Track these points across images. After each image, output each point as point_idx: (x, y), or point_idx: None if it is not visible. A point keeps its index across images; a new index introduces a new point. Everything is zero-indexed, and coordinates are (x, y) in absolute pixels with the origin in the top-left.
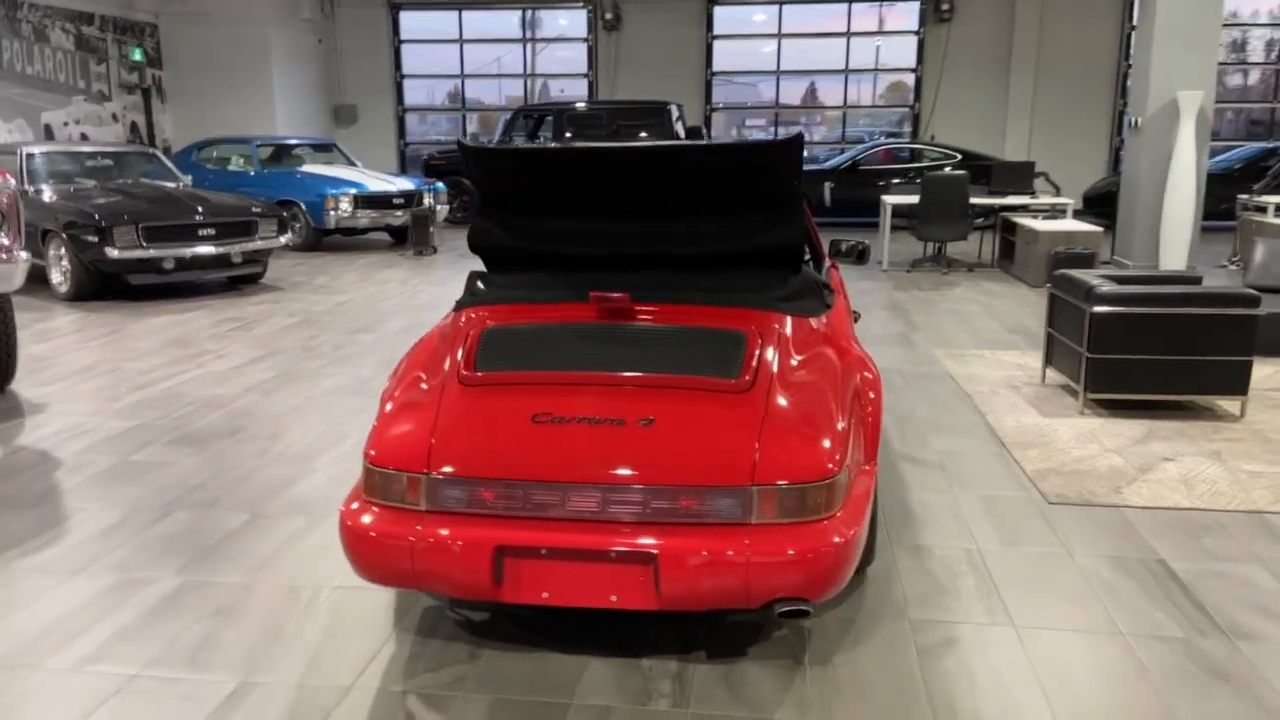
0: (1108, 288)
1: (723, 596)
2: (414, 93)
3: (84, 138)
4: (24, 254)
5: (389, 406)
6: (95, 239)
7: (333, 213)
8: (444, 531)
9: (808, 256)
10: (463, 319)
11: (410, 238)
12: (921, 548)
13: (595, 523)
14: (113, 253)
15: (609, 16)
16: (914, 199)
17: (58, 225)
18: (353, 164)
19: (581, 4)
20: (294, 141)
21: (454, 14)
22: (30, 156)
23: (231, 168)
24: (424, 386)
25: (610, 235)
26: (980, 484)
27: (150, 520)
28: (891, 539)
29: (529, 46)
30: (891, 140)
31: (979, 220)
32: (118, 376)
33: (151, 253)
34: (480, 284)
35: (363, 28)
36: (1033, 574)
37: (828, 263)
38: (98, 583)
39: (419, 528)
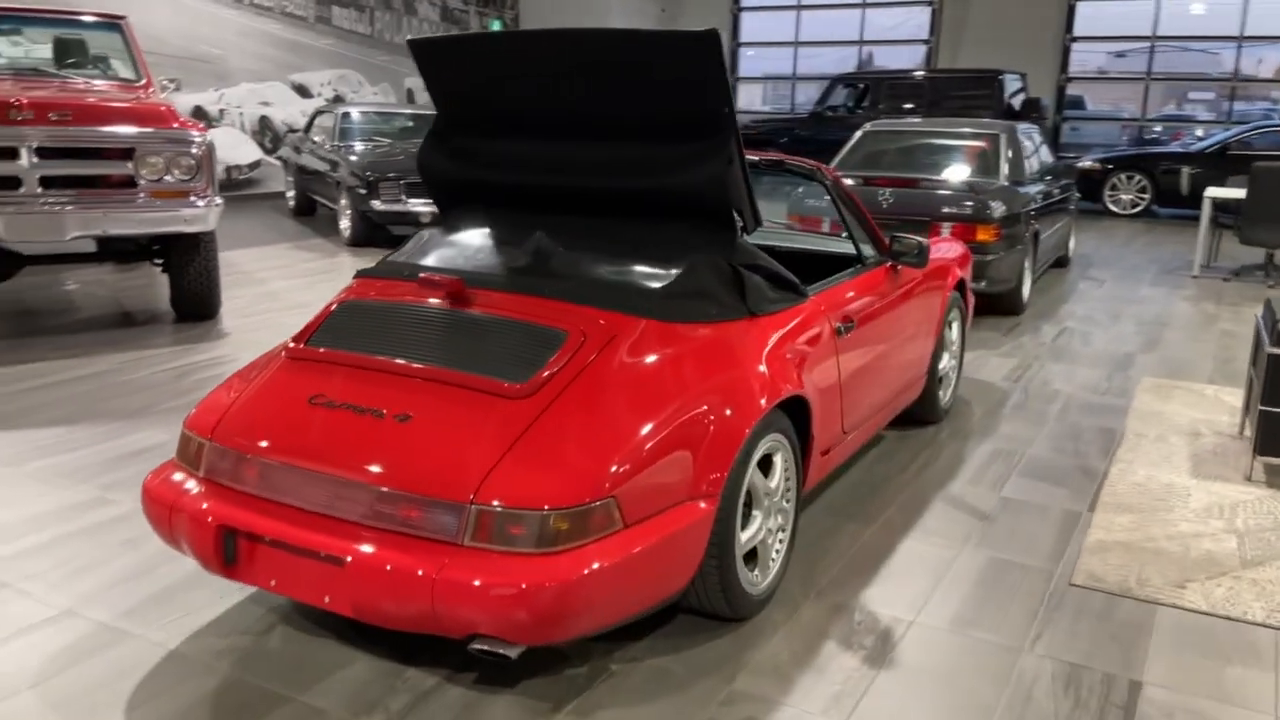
0: None
1: (409, 620)
2: (749, 63)
3: None
4: (218, 199)
5: (235, 373)
6: (364, 192)
7: None
8: (189, 502)
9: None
10: (345, 291)
11: None
12: (842, 605)
13: (318, 517)
14: (377, 205)
15: None
16: (1241, 193)
17: (344, 178)
18: None
19: None
20: None
21: None
22: (345, 115)
23: None
24: (271, 356)
25: (540, 161)
26: (1008, 547)
27: None
28: (817, 585)
29: (864, 12)
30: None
31: None
32: (310, 312)
33: (410, 207)
34: (391, 255)
35: None
36: (946, 668)
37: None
38: None
39: (180, 496)
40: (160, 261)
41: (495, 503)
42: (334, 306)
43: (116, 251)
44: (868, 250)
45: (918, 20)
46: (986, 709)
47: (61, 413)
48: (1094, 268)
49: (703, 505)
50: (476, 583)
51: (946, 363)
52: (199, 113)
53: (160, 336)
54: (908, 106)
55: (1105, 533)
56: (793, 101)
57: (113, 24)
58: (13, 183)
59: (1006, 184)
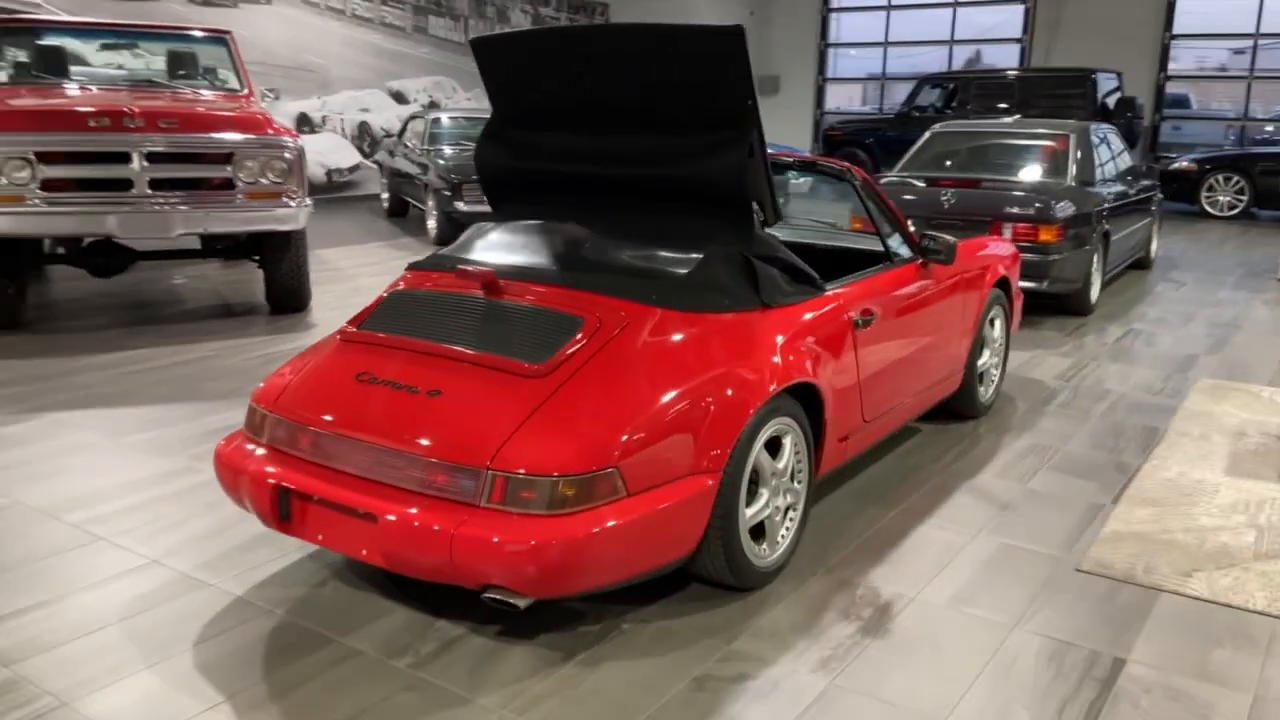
0: None
1: (431, 571)
2: (840, 61)
3: None
4: (308, 200)
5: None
6: (449, 193)
7: None
8: (252, 466)
9: (762, 218)
10: (397, 281)
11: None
12: (847, 581)
13: (359, 479)
14: (461, 206)
15: None
16: None
17: (431, 181)
18: None
19: None
20: None
21: None
22: (435, 121)
23: None
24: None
25: (580, 151)
26: (1021, 533)
27: None
28: (827, 562)
29: (955, 11)
30: None
31: None
32: None
33: None
34: (441, 249)
35: None
36: (935, 640)
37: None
38: None
39: (245, 460)
40: (256, 258)
41: (509, 469)
42: (385, 295)
43: (217, 248)
44: (897, 247)
45: (1015, 18)
46: (967, 676)
47: (161, 393)
48: (1177, 270)
49: (706, 480)
50: (493, 539)
51: (987, 359)
52: (303, 119)
53: (254, 327)
54: (999, 106)
55: (1123, 524)
56: (882, 102)
57: (219, 38)
58: (125, 184)
59: (1073, 184)
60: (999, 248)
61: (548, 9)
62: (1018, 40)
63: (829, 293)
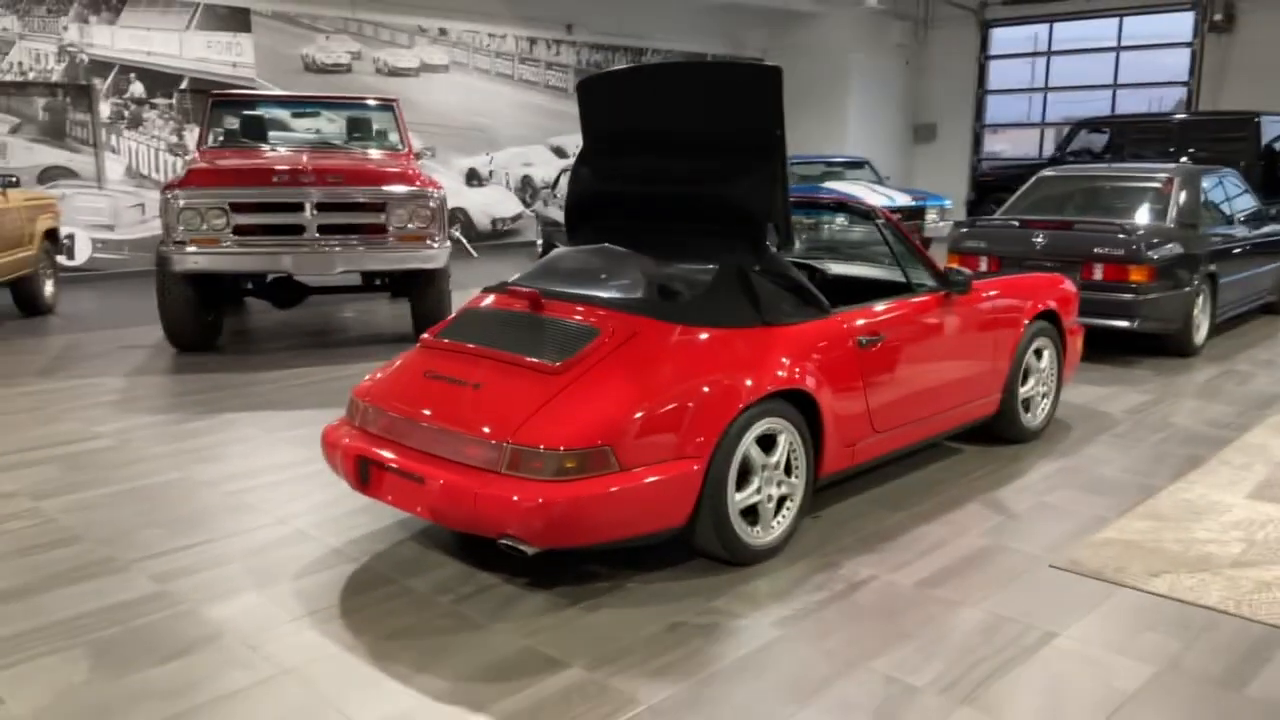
0: None
1: (461, 522)
2: (998, 107)
3: None
4: (448, 242)
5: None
6: (555, 229)
7: None
8: (344, 442)
9: (776, 239)
10: (471, 299)
11: None
12: (833, 564)
13: (417, 452)
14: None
15: (1218, 18)
16: None
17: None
18: (878, 180)
19: (1188, 5)
20: (824, 159)
21: (1044, 27)
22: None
23: None
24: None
25: (641, 173)
26: (1013, 536)
27: None
28: (823, 549)
29: (1118, 55)
30: None
31: None
32: None
33: None
34: (514, 274)
35: (951, 47)
36: (889, 610)
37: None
38: None
39: (340, 438)
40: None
41: (523, 444)
42: (461, 311)
43: (376, 284)
44: (919, 280)
45: (1181, 61)
46: (902, 636)
47: (312, 401)
48: None
49: (692, 465)
50: (509, 497)
51: (1032, 387)
52: (472, 174)
53: (400, 351)
54: (1147, 148)
55: (1117, 533)
56: (1040, 148)
57: (387, 105)
58: (299, 229)
59: (1172, 226)
60: (1047, 283)
61: None
62: (1183, 84)
63: (834, 315)
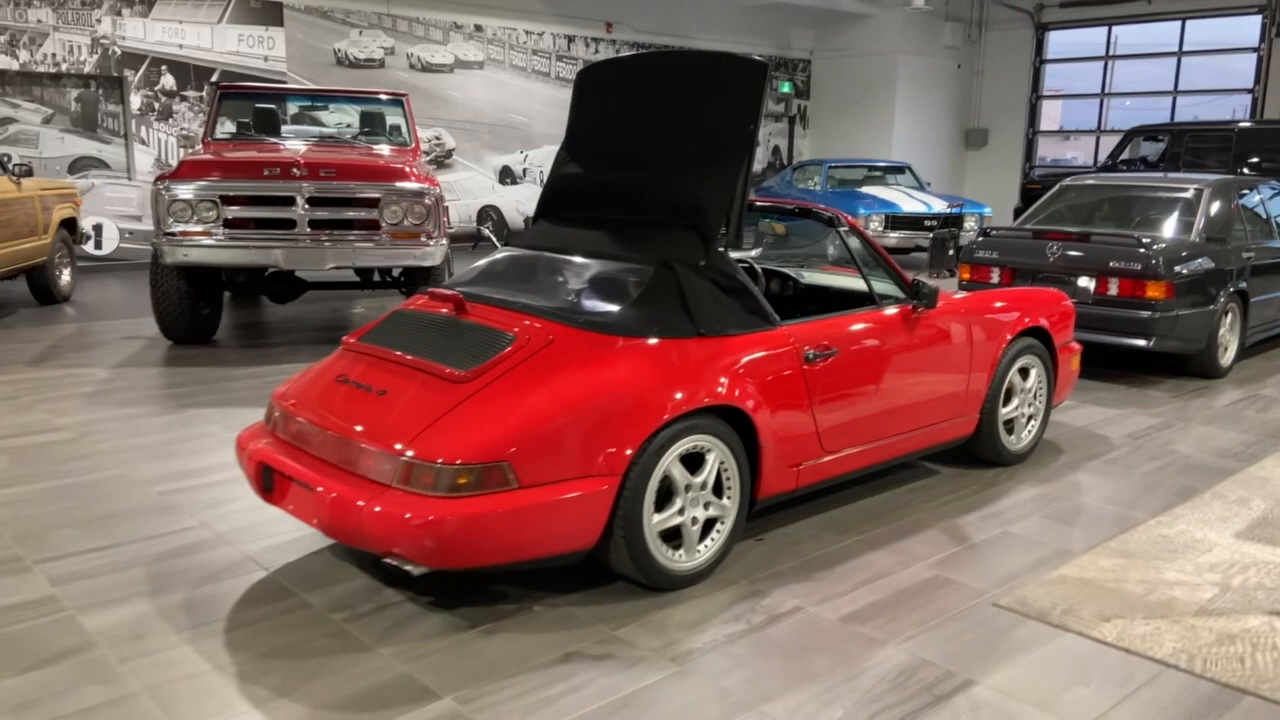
0: None
1: (349, 537)
2: (1070, 113)
3: None
4: (444, 241)
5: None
6: None
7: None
8: (251, 446)
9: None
10: (404, 302)
11: (930, 258)
12: (760, 592)
13: (319, 461)
14: None
15: None
16: None
17: None
18: (919, 186)
19: (1255, 9)
20: (865, 163)
21: (1103, 30)
22: None
23: (803, 186)
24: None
25: (615, 162)
26: (963, 569)
27: None
28: (754, 575)
29: (1179, 60)
30: None
31: None
32: None
33: None
34: (460, 273)
35: (1006, 50)
36: (803, 646)
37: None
38: None
39: (249, 442)
40: (405, 290)
41: (416, 457)
42: (390, 312)
43: (374, 281)
44: (883, 290)
45: (1247, 66)
46: (808, 679)
47: None
48: None
49: (602, 484)
50: (395, 514)
51: (1015, 408)
52: (505, 171)
53: None
54: (1205, 157)
55: (1077, 570)
56: (1095, 155)
57: (397, 100)
58: (290, 224)
59: (1198, 240)
60: (1038, 298)
61: None
62: (1248, 90)
63: (781, 327)
